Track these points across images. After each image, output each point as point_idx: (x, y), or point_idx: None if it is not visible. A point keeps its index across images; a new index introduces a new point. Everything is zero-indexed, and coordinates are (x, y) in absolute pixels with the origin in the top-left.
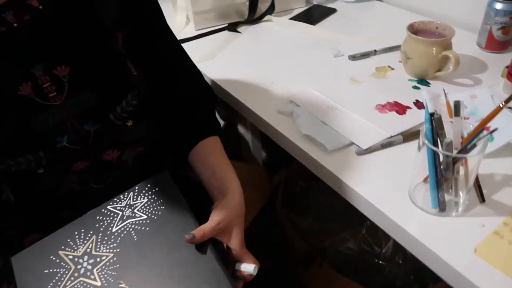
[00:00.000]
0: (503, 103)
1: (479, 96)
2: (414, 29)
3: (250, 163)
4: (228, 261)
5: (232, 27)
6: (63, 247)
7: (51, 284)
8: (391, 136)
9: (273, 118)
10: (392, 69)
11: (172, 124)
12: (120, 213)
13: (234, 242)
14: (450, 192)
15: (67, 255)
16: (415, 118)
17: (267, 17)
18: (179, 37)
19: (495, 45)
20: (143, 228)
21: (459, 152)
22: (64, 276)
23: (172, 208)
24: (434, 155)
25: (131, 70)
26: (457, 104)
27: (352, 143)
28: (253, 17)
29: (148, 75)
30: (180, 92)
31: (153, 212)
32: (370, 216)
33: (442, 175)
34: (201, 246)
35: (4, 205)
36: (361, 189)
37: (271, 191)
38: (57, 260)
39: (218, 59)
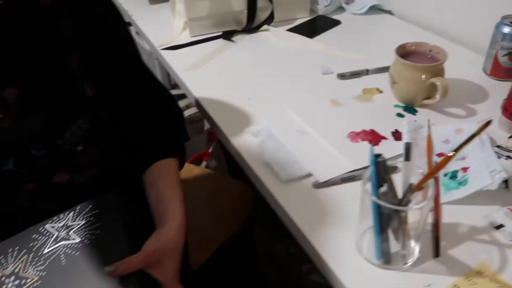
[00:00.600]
0: (453, 152)
1: (465, 131)
2: (405, 51)
3: (236, 177)
4: None
5: (227, 35)
6: None
7: None
8: (355, 170)
9: (239, 138)
10: (381, 92)
11: (128, 144)
12: (56, 233)
13: (164, 277)
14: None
15: None
16: (389, 151)
17: (264, 27)
18: (174, 43)
19: (500, 72)
20: (73, 252)
21: (398, 204)
22: None
23: (108, 233)
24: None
25: (86, 91)
26: (407, 147)
27: (311, 174)
28: (251, 26)
29: (105, 95)
30: (137, 112)
31: (87, 235)
32: (312, 257)
33: (387, 224)
34: (125, 278)
35: None
36: (306, 228)
37: (252, 208)
38: None
39: (204, 69)
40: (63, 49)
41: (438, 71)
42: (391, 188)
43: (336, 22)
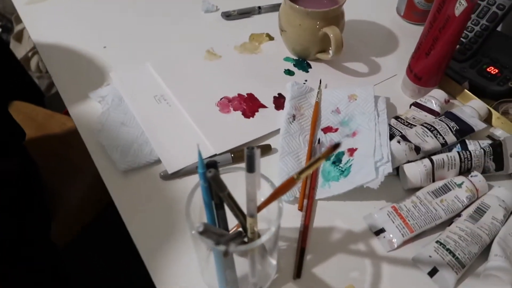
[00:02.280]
0: (297, 175)
1: (359, 98)
2: None
3: None
4: None
5: None
6: None
7: None
8: (216, 155)
9: (79, 106)
10: (272, 39)
11: None
12: None
13: None
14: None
15: None
16: (266, 125)
17: None
18: None
19: (415, 14)
20: None
21: (222, 243)
22: None
23: None
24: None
25: None
26: (250, 155)
27: (161, 161)
28: None
29: None
30: None
31: None
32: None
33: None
34: None
35: None
36: (141, 241)
37: None
38: None
39: (52, 3)
40: None
41: (335, 18)
42: (234, 206)
43: None
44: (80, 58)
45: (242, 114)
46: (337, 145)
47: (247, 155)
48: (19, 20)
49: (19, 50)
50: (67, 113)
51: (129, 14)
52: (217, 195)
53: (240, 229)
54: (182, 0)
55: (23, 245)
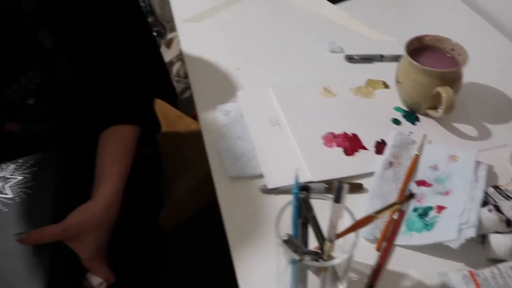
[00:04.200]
0: (374, 214)
1: (460, 160)
2: (422, 44)
3: None
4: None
5: None
6: None
7: None
8: (312, 182)
9: (207, 113)
10: (387, 87)
11: (91, 103)
12: None
13: (83, 252)
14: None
15: None
16: (362, 166)
17: None
18: None
19: None
20: (4, 208)
21: (299, 253)
22: None
23: (37, 196)
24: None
25: (43, 42)
26: (339, 188)
27: (263, 176)
28: None
29: (69, 49)
30: (108, 72)
31: (19, 193)
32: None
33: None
34: (38, 248)
35: None
36: (234, 240)
37: None
38: None
39: (206, 23)
40: None
41: (451, 79)
42: (317, 228)
43: None
44: (217, 73)
45: (344, 151)
46: (411, 195)
47: (337, 187)
48: (173, 30)
49: (166, 55)
50: (194, 116)
51: (263, 42)
52: (304, 215)
53: (318, 250)
54: (311, 37)
55: (138, 224)
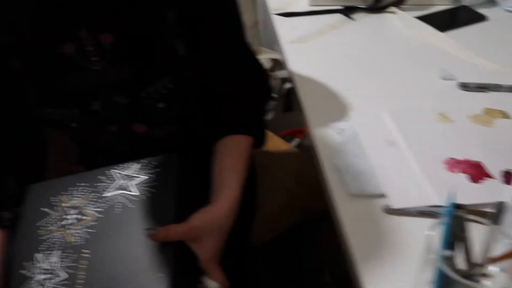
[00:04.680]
0: None
1: None
2: None
3: None
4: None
5: (347, 11)
6: (64, 193)
7: (39, 222)
8: (439, 206)
9: (320, 130)
10: (506, 117)
11: (210, 111)
12: (118, 181)
13: (202, 254)
14: None
15: (63, 202)
16: (489, 194)
17: (391, 9)
18: (290, 10)
19: None
20: (129, 204)
21: (466, 274)
22: (51, 219)
23: (161, 195)
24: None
25: (178, 50)
26: (500, 207)
27: (385, 196)
28: (378, 5)
29: (198, 57)
30: (226, 81)
31: (144, 191)
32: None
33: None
34: (164, 245)
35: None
36: (360, 255)
37: None
38: (54, 203)
39: (311, 44)
40: (163, 4)
41: None
42: (467, 250)
43: (481, 18)
44: (327, 92)
45: (470, 178)
46: None
47: (498, 208)
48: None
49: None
50: (282, 137)
51: (371, 66)
52: (455, 234)
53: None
54: (420, 63)
55: (231, 237)
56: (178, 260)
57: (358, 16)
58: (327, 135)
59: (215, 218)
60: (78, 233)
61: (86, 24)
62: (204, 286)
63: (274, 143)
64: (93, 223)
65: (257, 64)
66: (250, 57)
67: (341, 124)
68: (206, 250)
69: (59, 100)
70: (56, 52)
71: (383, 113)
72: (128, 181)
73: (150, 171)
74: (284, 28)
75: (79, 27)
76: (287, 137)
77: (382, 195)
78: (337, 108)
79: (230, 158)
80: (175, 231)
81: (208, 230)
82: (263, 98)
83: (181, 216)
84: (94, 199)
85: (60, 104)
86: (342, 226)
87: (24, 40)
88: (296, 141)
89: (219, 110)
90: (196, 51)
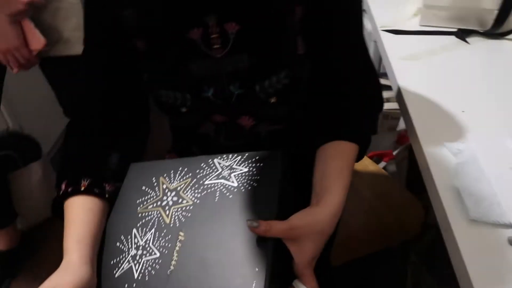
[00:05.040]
0: None
1: None
2: None
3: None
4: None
5: (462, 34)
6: (165, 175)
7: (139, 200)
8: None
9: (434, 150)
10: None
11: (318, 112)
12: (220, 170)
13: (299, 257)
14: None
15: (163, 183)
16: None
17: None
18: (399, 27)
19: None
20: (228, 194)
21: None
22: (151, 199)
23: (264, 189)
24: None
25: (298, 47)
26: None
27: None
28: (496, 30)
29: (315, 57)
30: (340, 85)
31: (245, 184)
32: None
33: None
34: (263, 239)
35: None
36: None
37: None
38: (155, 184)
39: (422, 64)
40: (290, 1)
41: None
42: None
43: None
44: (440, 111)
45: None
46: None
47: None
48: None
49: None
50: (370, 157)
51: (489, 89)
52: None
53: None
54: None
55: None
56: (275, 258)
57: (473, 39)
58: (442, 155)
59: (318, 221)
60: (174, 215)
61: (215, 11)
62: None
63: (362, 162)
64: (190, 207)
65: (373, 70)
66: (367, 61)
67: (458, 145)
68: (303, 253)
69: (176, 83)
70: (183, 36)
71: (507, 140)
72: (229, 172)
73: (252, 165)
74: (392, 45)
75: (208, 14)
76: (374, 159)
77: (508, 226)
78: (452, 128)
79: (337, 163)
80: (277, 227)
81: (308, 231)
82: (376, 108)
83: (281, 214)
84: (194, 185)
85: (176, 87)
86: (458, 253)
87: (155, 24)
88: (382, 164)
89: (331, 113)
90: (315, 49)
